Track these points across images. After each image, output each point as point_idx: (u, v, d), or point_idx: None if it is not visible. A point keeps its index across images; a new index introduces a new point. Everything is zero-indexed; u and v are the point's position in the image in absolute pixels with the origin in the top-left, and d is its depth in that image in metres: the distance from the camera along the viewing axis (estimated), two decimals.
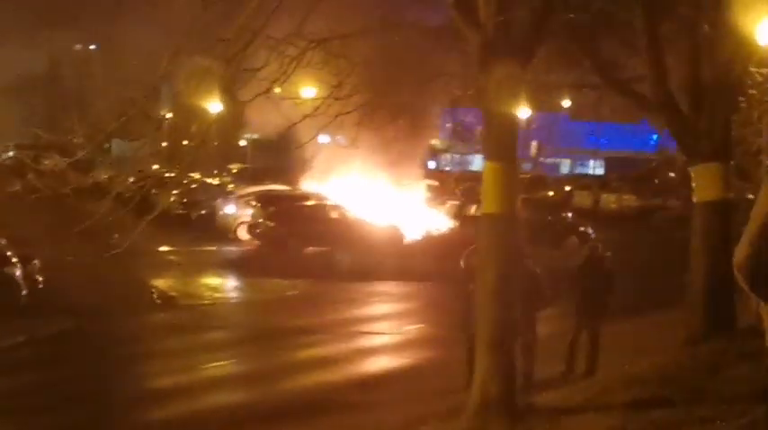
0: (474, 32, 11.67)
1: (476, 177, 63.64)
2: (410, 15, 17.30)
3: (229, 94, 12.29)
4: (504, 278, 11.83)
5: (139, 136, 14.63)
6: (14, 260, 24.23)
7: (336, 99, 14.29)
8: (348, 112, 14.97)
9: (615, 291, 17.88)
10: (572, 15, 13.84)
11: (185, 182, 51.81)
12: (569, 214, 42.54)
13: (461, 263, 16.64)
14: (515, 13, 11.47)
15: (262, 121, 35.55)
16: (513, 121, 11.89)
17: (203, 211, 44.04)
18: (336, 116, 14.74)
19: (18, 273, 23.96)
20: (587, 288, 17.35)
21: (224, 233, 40.89)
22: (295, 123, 15.15)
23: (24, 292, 23.88)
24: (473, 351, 15.41)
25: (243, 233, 40.51)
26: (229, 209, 42.53)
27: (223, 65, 11.37)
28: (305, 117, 14.67)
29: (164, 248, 38.17)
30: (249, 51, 12.28)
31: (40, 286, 25.18)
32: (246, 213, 41.26)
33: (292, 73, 13.15)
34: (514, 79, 11.59)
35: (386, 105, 16.49)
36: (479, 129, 41.99)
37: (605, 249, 33.22)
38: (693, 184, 15.79)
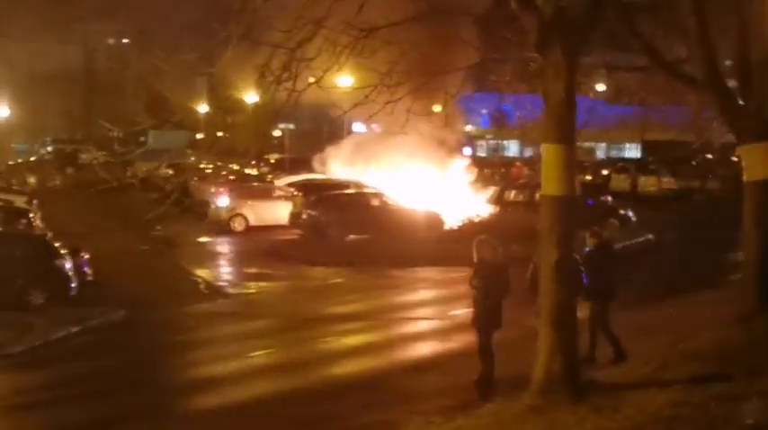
0: (531, 15, 11.79)
1: (511, 163, 63.62)
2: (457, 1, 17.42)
3: (279, 84, 12.40)
4: (565, 257, 11.96)
5: (177, 127, 14.67)
6: (63, 252, 24.56)
7: (388, 87, 14.39)
8: (398, 100, 15.04)
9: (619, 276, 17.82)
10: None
11: (224, 173, 52.25)
12: (608, 197, 42.49)
13: (473, 255, 16.08)
14: None
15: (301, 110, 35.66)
16: (571, 103, 12.00)
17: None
18: (386, 104, 14.83)
19: (68, 265, 24.29)
20: (596, 273, 16.94)
21: (217, 225, 40.74)
22: (345, 112, 15.30)
23: (74, 284, 24.22)
24: (485, 345, 15.58)
25: (237, 225, 40.66)
26: (222, 201, 42.12)
27: (287, 54, 11.53)
28: (355, 105, 14.77)
29: (203, 239, 38.52)
30: (301, 41, 12.39)
31: (89, 278, 25.53)
32: (239, 205, 41.18)
33: (345, 62, 13.30)
34: (571, 60, 11.69)
35: (431, 91, 16.54)
36: (518, 115, 41.88)
37: (643, 232, 33.33)
38: (743, 164, 15.80)
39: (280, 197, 42.92)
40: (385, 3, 14.78)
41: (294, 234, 39.01)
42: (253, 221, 41.15)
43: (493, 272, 15.61)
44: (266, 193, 43.72)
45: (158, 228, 37.18)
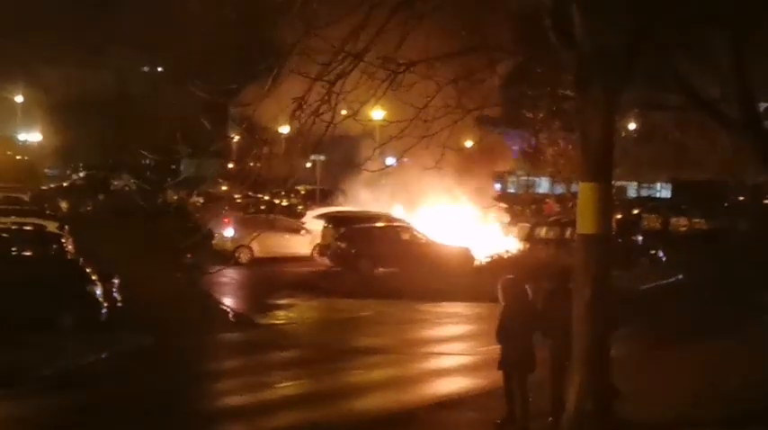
0: (571, 52, 11.82)
1: (542, 200, 63.62)
2: (494, 38, 17.47)
3: (318, 116, 12.47)
4: (599, 296, 11.93)
5: (210, 156, 14.74)
6: (95, 278, 24.64)
7: (424, 121, 14.42)
8: (433, 134, 15.08)
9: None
10: (666, 38, 13.85)
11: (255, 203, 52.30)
12: (639, 236, 42.36)
13: (499, 296, 15.39)
14: (611, 35, 11.59)
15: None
16: (609, 141, 12.01)
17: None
18: (423, 137, 14.88)
19: (98, 290, 24.35)
20: (564, 315, 14.89)
21: (222, 256, 38.61)
22: (382, 144, 15.35)
23: (104, 309, 24.27)
24: (516, 385, 15.26)
25: (243, 256, 39.51)
26: (228, 232, 41.32)
27: (326, 87, 11.62)
28: (391, 139, 14.82)
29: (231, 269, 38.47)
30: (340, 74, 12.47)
31: (119, 304, 25.58)
32: (245, 236, 39.39)
33: (383, 95, 13.35)
34: (610, 98, 11.71)
35: (466, 126, 16.59)
36: (550, 151, 41.83)
37: (674, 272, 32.90)
38: None
39: (285, 228, 42.63)
40: (423, 38, 14.82)
41: (313, 266, 39.00)
42: (258, 253, 40.48)
43: (521, 312, 15.04)
44: (271, 225, 42.91)
45: (189, 256, 37.22)
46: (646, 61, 15.38)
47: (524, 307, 15.14)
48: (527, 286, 15.30)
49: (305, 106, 11.88)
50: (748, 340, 21.67)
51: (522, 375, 15.22)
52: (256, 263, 40.04)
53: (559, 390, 14.87)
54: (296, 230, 42.42)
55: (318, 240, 41.37)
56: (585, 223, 12.02)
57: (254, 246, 40.03)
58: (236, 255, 39.09)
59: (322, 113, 11.97)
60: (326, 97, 11.83)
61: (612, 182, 12.66)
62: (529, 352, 15.12)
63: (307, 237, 41.91)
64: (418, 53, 14.43)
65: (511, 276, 15.77)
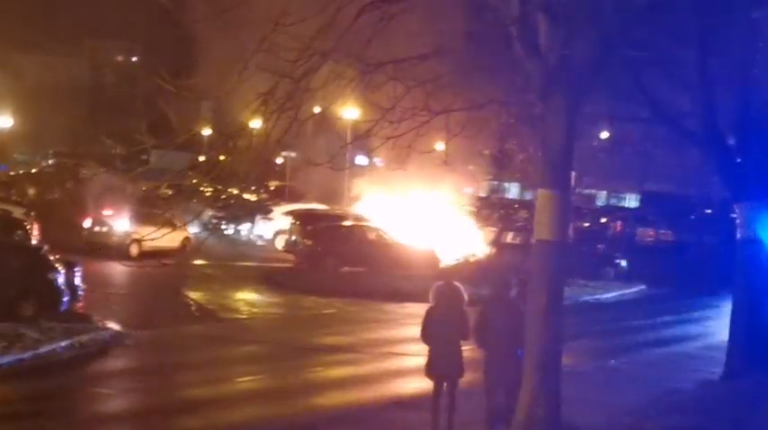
0: (536, 62, 11.93)
1: (511, 204, 63.90)
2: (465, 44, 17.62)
3: (282, 112, 12.48)
4: (554, 302, 12.03)
5: (180, 149, 14.76)
6: (57, 265, 24.51)
7: (390, 122, 14.45)
8: (399, 136, 15.11)
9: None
10: (632, 53, 13.98)
11: (223, 197, 52.02)
12: (604, 245, 42.60)
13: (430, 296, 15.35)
14: (576, 47, 11.69)
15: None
16: (569, 151, 12.13)
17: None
18: (388, 139, 14.92)
19: (60, 278, 24.22)
20: (498, 324, 14.66)
21: (116, 250, 37.49)
22: (347, 143, 15.40)
23: (66, 298, 24.14)
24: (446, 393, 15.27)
25: (134, 250, 37.59)
26: (121, 224, 39.65)
27: (292, 84, 11.64)
28: (356, 138, 14.87)
29: (199, 262, 38.38)
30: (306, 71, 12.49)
31: (81, 292, 25.48)
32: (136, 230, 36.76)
33: (350, 95, 13.40)
34: (572, 109, 11.82)
35: (434, 129, 16.61)
36: (520, 157, 41.81)
37: (637, 282, 33.07)
38: (737, 221, 15.90)
39: (161, 222, 41.25)
40: (393, 39, 14.87)
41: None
42: (145, 247, 38.77)
43: (448, 316, 14.98)
44: (155, 219, 40.95)
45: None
46: (612, 74, 15.56)
47: (452, 310, 15.03)
48: (462, 290, 15.25)
49: (270, 102, 11.91)
50: (704, 354, 21.95)
51: (450, 381, 15.16)
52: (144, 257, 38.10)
53: (493, 402, 14.90)
54: (171, 224, 40.62)
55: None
56: (543, 230, 12.15)
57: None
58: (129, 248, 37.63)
59: (288, 110, 12.00)
60: (292, 93, 11.86)
61: (581, 190, 12.76)
62: (456, 356, 15.06)
63: (178, 232, 41.07)
64: (388, 54, 14.46)
65: (441, 282, 15.65)
